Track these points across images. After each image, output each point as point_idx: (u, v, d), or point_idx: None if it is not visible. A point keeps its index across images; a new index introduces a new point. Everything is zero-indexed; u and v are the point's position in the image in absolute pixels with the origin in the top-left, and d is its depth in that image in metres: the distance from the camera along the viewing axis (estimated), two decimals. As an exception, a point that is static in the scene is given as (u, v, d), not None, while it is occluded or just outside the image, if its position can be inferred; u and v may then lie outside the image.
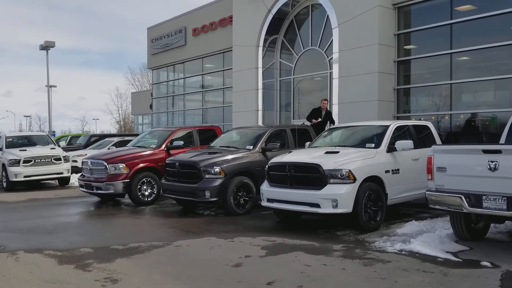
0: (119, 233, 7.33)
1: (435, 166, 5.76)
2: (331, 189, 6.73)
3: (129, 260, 5.56)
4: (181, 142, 10.68)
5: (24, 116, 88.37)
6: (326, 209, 6.71)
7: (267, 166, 7.69)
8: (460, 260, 5.28)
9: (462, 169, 5.48)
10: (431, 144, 8.64)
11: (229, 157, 8.85)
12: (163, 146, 10.73)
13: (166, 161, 9.40)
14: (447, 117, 12.89)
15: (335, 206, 6.67)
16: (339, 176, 6.74)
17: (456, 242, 6.08)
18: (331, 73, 15.04)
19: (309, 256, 5.57)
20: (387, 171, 7.35)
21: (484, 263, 5.07)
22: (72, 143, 22.28)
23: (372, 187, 6.99)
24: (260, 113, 17.42)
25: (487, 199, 5.20)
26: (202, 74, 22.18)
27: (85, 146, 19.72)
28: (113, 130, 66.11)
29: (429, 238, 6.08)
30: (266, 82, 17.51)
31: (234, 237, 6.67)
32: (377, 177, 7.18)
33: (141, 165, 10.19)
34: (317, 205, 6.76)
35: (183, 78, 23.58)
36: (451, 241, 6.11)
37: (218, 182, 8.45)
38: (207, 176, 8.50)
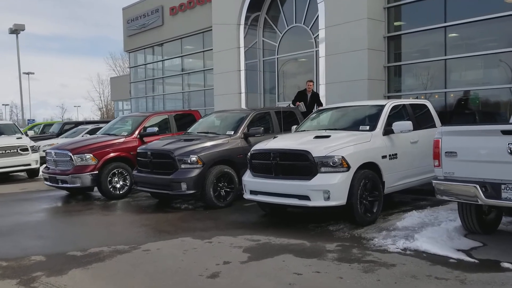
0: (81, 235, 6.40)
1: (443, 150, 4.94)
2: (322, 179, 5.89)
3: (85, 272, 4.66)
4: (156, 129, 9.71)
5: (3, 104, 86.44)
6: (317, 201, 5.88)
7: (249, 154, 6.81)
8: (476, 261, 4.50)
9: (476, 154, 4.67)
10: (430, 124, 7.91)
11: (208, 144, 7.94)
12: (136, 133, 9.75)
13: (138, 150, 8.45)
14: (437, 96, 12.12)
15: (327, 198, 5.84)
16: (331, 163, 5.89)
17: (466, 237, 5.32)
18: (317, 52, 14.15)
19: (299, 260, 4.74)
20: (384, 157, 6.53)
21: (506, 264, 4.30)
22: (45, 131, 21.06)
23: (368, 175, 6.18)
24: (243, 95, 16.48)
25: (507, 188, 4.41)
26: (182, 56, 21.05)
27: (58, 134, 18.56)
28: (95, 117, 64.40)
29: (436, 233, 5.30)
30: (248, 63, 16.54)
31: (212, 237, 5.81)
32: (373, 164, 6.36)
33: (111, 154, 9.22)
34: (307, 198, 5.93)
35: (162, 60, 22.43)
36: (460, 235, 5.35)
37: (195, 173, 7.55)
38: (183, 166, 7.59)
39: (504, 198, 4.45)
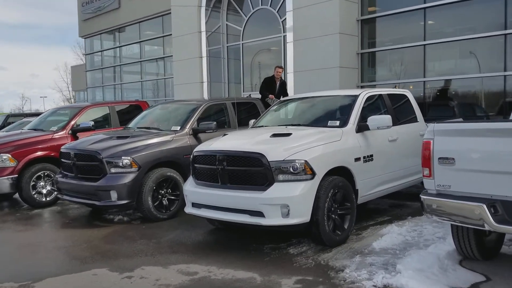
0: (-31, 264, 4.91)
1: (436, 155, 3.71)
2: (279, 190, 4.59)
3: None
4: (91, 123, 8.19)
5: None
6: (273, 219, 4.57)
7: (191, 157, 5.44)
8: (483, 310, 3.29)
9: (481, 161, 3.45)
10: (410, 118, 6.72)
11: (146, 142, 6.52)
12: (67, 128, 8.23)
13: (60, 150, 6.95)
14: (411, 87, 11.01)
15: (286, 214, 4.55)
16: (291, 170, 4.60)
17: (462, 265, 4.13)
18: (285, 37, 12.83)
19: (242, 310, 3.43)
20: (357, 159, 5.28)
21: (526, 318, 3.10)
22: (-12, 124, 19.02)
23: (338, 183, 4.91)
24: (205, 85, 15.05)
25: (526, 210, 3.21)
26: (140, 42, 19.34)
27: (1, 127, 16.66)
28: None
29: (424, 262, 4.08)
30: (211, 49, 15.11)
31: (136, 268, 4.43)
32: (344, 168, 5.11)
33: (35, 154, 7.67)
34: (260, 214, 4.62)
35: (119, 46, 20.66)
36: (455, 263, 4.15)
37: (129, 178, 6.13)
38: (112, 170, 6.16)
39: (521, 223, 3.24)
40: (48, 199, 7.71)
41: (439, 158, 3.69)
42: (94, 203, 6.21)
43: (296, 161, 4.60)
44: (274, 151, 4.71)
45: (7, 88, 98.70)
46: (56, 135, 8.07)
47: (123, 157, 6.15)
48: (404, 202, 6.99)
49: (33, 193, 7.58)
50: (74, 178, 6.54)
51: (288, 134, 5.15)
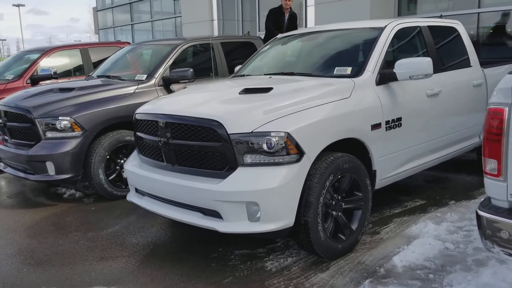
0: None
1: (514, 138, 1.91)
2: (245, 178, 2.92)
3: None
4: (52, 70, 6.68)
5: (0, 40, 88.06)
6: (234, 223, 2.95)
7: (133, 119, 3.81)
8: None
9: None
10: (460, 61, 4.76)
11: (96, 96, 4.92)
12: (25, 76, 6.76)
13: (-3, 106, 5.49)
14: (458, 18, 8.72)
15: (255, 217, 2.92)
16: (264, 147, 2.90)
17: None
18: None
19: None
20: (375, 126, 3.49)
21: None
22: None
23: (342, 165, 3.18)
24: (215, 23, 13.14)
25: None
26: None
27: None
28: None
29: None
30: (223, -19, 13.03)
31: (30, 291, 3.00)
32: (355, 140, 3.36)
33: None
34: (217, 214, 3.01)
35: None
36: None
37: (70, 145, 4.62)
38: (49, 134, 4.66)
39: None
40: None
41: (522, 144, 1.89)
42: (28, 177, 4.78)
43: (272, 133, 2.88)
44: (238, 117, 3.00)
45: (47, 33, 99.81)
46: (12, 85, 6.62)
47: (60, 118, 4.60)
48: (445, 174, 5.24)
49: (-16, 157, 6.28)
50: (10, 144, 5.10)
51: (267, 90, 3.37)
